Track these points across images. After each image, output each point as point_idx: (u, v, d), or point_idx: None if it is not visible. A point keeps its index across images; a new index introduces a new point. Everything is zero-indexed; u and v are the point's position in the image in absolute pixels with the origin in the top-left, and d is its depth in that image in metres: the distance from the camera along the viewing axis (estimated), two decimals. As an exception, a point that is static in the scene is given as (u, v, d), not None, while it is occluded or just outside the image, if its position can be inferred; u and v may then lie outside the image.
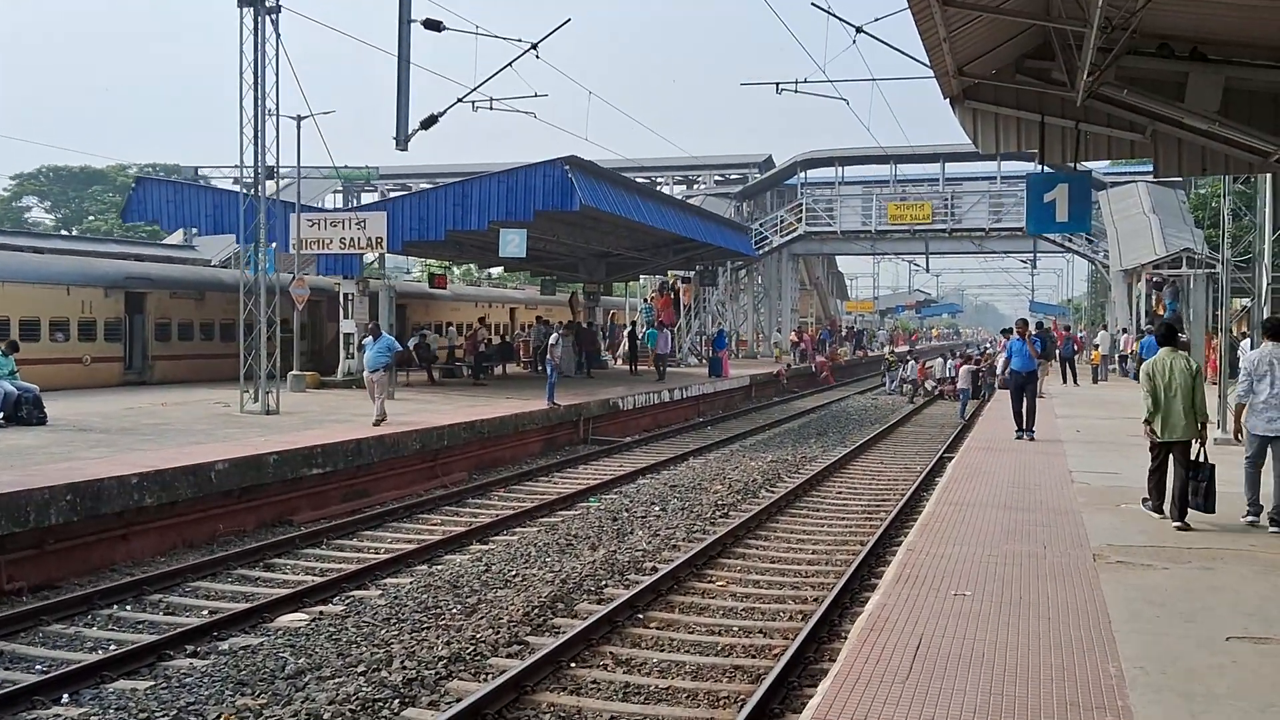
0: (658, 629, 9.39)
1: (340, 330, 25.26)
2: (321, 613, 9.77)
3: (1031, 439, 16.75)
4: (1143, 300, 36.51)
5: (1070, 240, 44.21)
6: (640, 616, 9.68)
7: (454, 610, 9.73)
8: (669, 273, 41.24)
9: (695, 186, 53.70)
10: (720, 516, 14.55)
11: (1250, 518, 9.79)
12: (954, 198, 44.88)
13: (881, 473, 19.10)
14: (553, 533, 13.40)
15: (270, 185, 45.99)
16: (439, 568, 11.62)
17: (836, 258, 76.08)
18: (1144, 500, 10.51)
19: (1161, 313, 34.69)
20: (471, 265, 47.66)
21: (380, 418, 17.03)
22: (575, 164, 22.57)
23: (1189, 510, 9.64)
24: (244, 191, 19.21)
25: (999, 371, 33.71)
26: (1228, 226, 16.95)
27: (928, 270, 73.41)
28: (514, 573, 11.20)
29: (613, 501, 15.77)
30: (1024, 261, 59.50)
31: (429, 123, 17.91)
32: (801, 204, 45.95)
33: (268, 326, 18.18)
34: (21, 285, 22.76)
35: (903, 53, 14.02)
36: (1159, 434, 9.91)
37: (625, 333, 37.17)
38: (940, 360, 41.54)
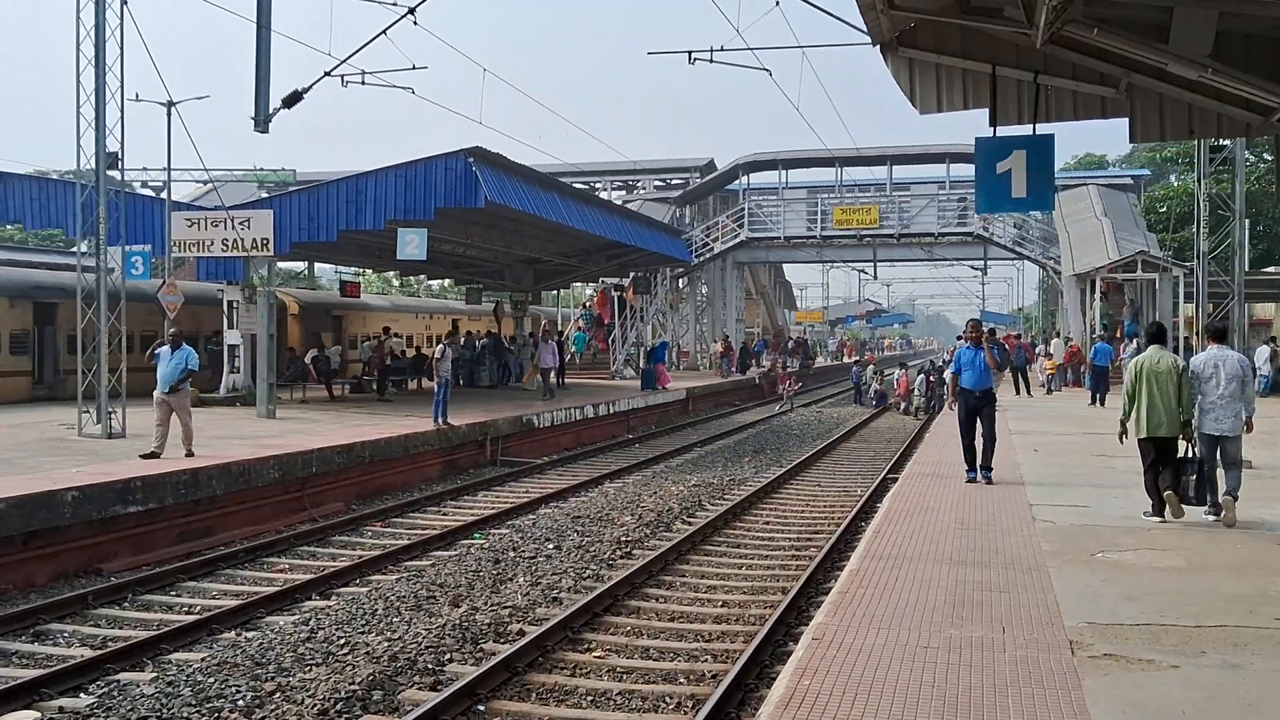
0: (498, 728, 7.15)
1: (225, 341, 22.73)
2: (61, 709, 7.42)
3: (989, 481, 12.81)
4: (1098, 307, 34.89)
5: (1022, 245, 42.60)
6: (481, 709, 7.43)
7: (237, 703, 7.42)
8: (602, 280, 39.06)
9: (635, 192, 51.60)
10: (621, 557, 12.33)
11: (1211, 517, 10.03)
12: (902, 201, 43.09)
13: (816, 498, 16.98)
14: (415, 581, 11.11)
15: (192, 189, 43.24)
16: (250, 634, 9.29)
17: (784, 267, 74.47)
18: (1145, 514, 10.34)
19: (1120, 335, 33.16)
20: (401, 274, 45.09)
21: (158, 448, 13.85)
22: (480, 156, 20.31)
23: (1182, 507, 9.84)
24: (122, 190, 16.71)
25: (945, 386, 31.95)
26: (1197, 221, 14.93)
27: (875, 278, 71.88)
28: (342, 641, 8.90)
29: (501, 538, 13.50)
30: (975, 269, 57.94)
31: (292, 100, 15.60)
32: (744, 209, 43.94)
33: (111, 337, 15.71)
34: None
35: (829, 14, 11.88)
36: (1144, 431, 9.99)
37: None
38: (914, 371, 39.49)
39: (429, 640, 8.78)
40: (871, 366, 40.10)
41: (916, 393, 33.69)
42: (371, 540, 13.75)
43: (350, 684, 7.65)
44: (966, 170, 42.78)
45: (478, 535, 13.81)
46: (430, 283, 63.85)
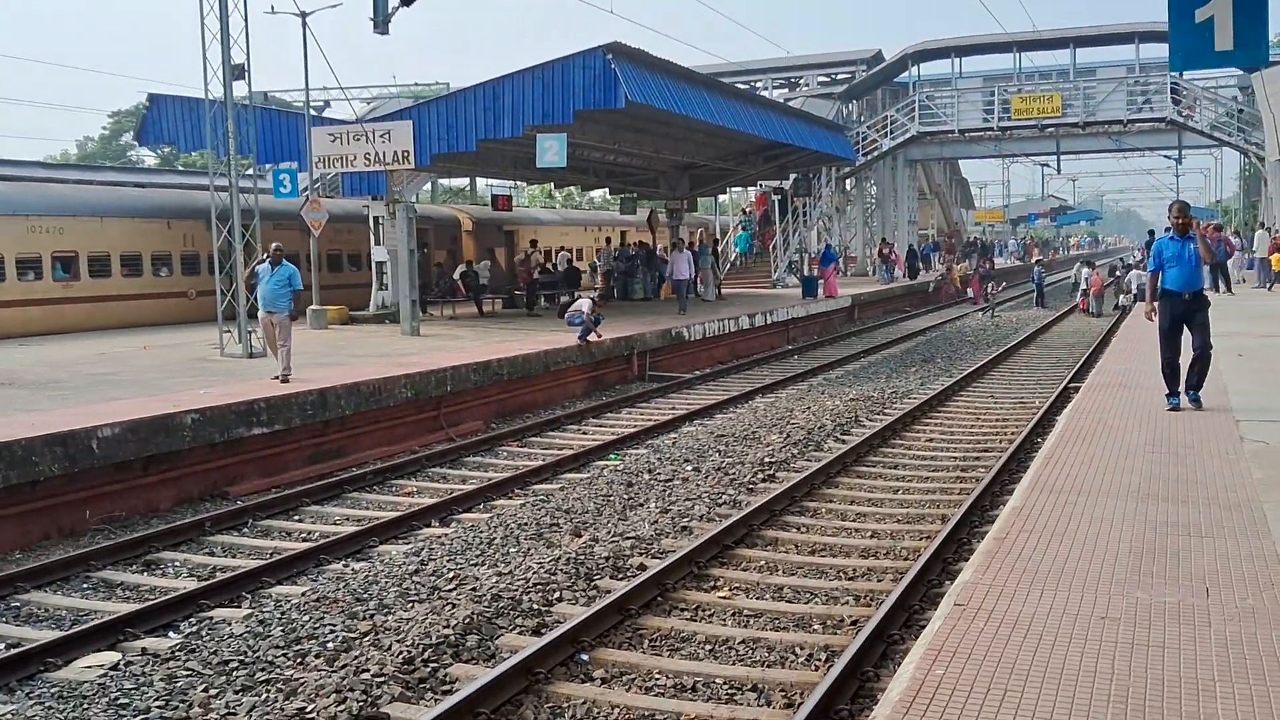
0: (601, 684, 6.32)
1: (373, 259, 22.55)
2: (143, 650, 6.98)
3: (1198, 406, 10.27)
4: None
5: (1221, 131, 38.63)
6: (584, 659, 6.62)
7: (326, 645, 6.82)
8: (761, 184, 37.43)
9: (799, 89, 49.28)
10: (763, 480, 11.33)
11: None
12: (1087, 87, 39.58)
13: (988, 412, 15.53)
14: (540, 507, 10.40)
15: (358, 109, 43.60)
16: (359, 566, 8.75)
17: (960, 164, 70.65)
18: None
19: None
20: (557, 185, 44.49)
21: (286, 372, 13.15)
22: (619, 52, 19.13)
23: None
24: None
25: (1132, 289, 29.20)
26: None
27: (1059, 171, 67.12)
28: (451, 574, 8.25)
29: (636, 459, 12.69)
30: (1168, 158, 53.27)
31: (410, -2, 14.85)
32: (913, 101, 41.28)
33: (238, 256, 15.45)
34: (120, 220, 22.13)
35: None
36: None
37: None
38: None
39: (540, 575, 8.01)
40: (1088, 267, 36.68)
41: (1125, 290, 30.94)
42: (505, 461, 13.17)
43: (446, 626, 6.94)
44: (1158, 51, 38.98)
45: (613, 456, 13.04)
46: (592, 194, 63.30)
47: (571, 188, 52.44)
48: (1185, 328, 10.26)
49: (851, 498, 10.61)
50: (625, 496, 10.80)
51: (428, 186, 50.12)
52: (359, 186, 22.25)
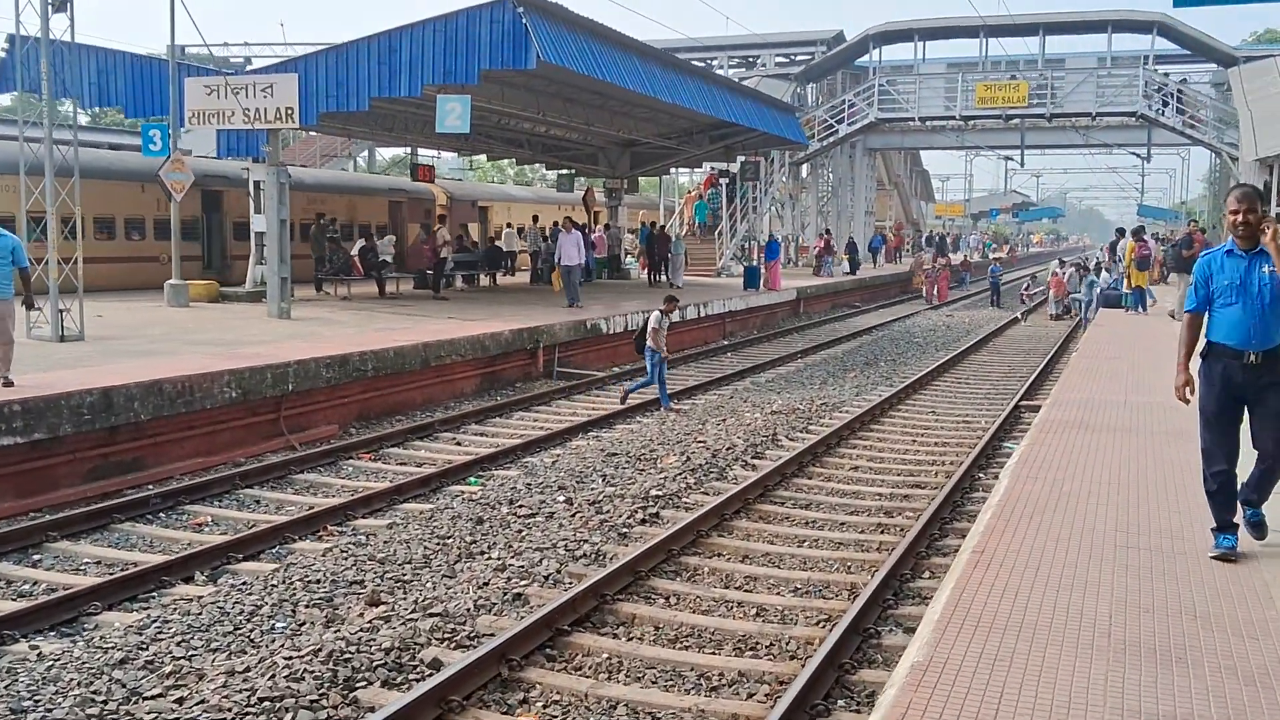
0: None
1: (252, 229, 20.07)
2: None
3: (1259, 533, 6.00)
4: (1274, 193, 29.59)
5: (1193, 127, 36.83)
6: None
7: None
8: (706, 165, 35.15)
9: (756, 69, 47.05)
10: (643, 520, 9.12)
11: None
12: (1055, 77, 37.63)
13: (926, 433, 13.43)
14: (351, 554, 8.14)
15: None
16: (54, 646, 6.43)
17: (922, 156, 68.93)
18: None
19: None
20: (524, 165, 42.02)
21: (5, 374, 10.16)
22: (532, 5, 16.74)
23: None
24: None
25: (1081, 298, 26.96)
26: None
27: (1022, 165, 65.37)
28: (168, 669, 5.97)
29: (501, 484, 10.44)
30: (1136, 155, 51.44)
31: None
32: (873, 86, 39.17)
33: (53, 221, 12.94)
34: (93, 181, 20.05)
35: None
36: None
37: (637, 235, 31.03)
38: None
39: (282, 680, 5.72)
40: (1071, 268, 34.31)
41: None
42: (343, 481, 10.87)
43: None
44: (1131, 42, 37.28)
45: (473, 480, 10.78)
46: (546, 174, 60.67)
47: (524, 164, 49.98)
48: (1247, 411, 5.90)
49: (744, 552, 8.42)
50: (468, 540, 8.57)
51: (366, 154, 47.44)
52: (236, 146, 19.72)
